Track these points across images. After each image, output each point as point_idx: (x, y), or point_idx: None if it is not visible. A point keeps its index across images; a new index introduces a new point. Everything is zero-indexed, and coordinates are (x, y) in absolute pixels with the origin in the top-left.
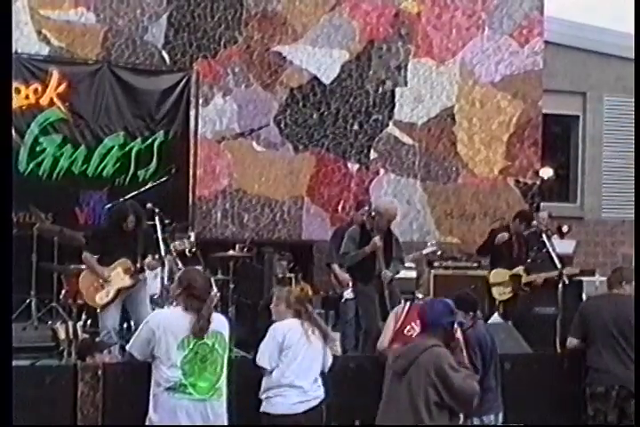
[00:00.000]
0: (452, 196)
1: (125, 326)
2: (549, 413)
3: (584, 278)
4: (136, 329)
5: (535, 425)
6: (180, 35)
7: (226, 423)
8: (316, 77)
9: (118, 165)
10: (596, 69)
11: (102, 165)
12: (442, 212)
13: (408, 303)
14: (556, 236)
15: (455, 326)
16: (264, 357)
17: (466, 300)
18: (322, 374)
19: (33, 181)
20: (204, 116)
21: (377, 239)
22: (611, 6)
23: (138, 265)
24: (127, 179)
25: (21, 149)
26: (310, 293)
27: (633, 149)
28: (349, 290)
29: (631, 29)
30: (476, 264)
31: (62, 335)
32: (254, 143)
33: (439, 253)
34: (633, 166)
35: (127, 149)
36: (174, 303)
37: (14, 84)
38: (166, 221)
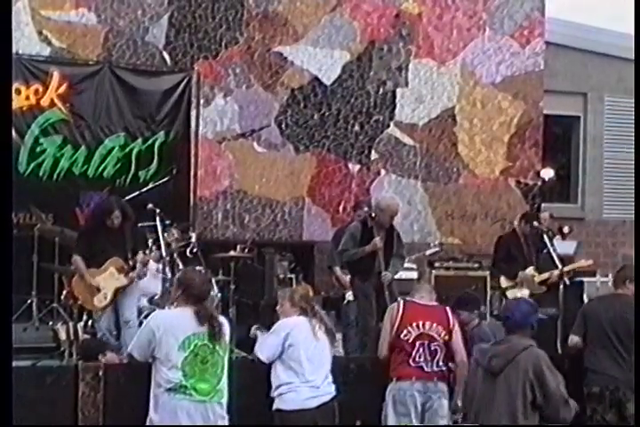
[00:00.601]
0: (452, 196)
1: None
2: None
3: (585, 279)
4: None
5: (535, 425)
6: (180, 35)
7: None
8: (316, 78)
9: (119, 165)
10: (596, 70)
11: (103, 165)
12: (443, 212)
13: (402, 303)
14: (557, 236)
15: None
16: (262, 348)
17: (469, 300)
18: None
19: (33, 182)
20: (204, 116)
21: (378, 240)
22: (611, 7)
23: (130, 262)
24: (128, 179)
25: (22, 149)
26: (311, 293)
27: (634, 150)
28: (351, 292)
29: (631, 30)
30: (477, 265)
31: (63, 336)
32: (255, 144)
33: (441, 253)
34: (633, 167)
35: (128, 149)
36: (174, 304)
37: (15, 85)
38: (167, 222)
